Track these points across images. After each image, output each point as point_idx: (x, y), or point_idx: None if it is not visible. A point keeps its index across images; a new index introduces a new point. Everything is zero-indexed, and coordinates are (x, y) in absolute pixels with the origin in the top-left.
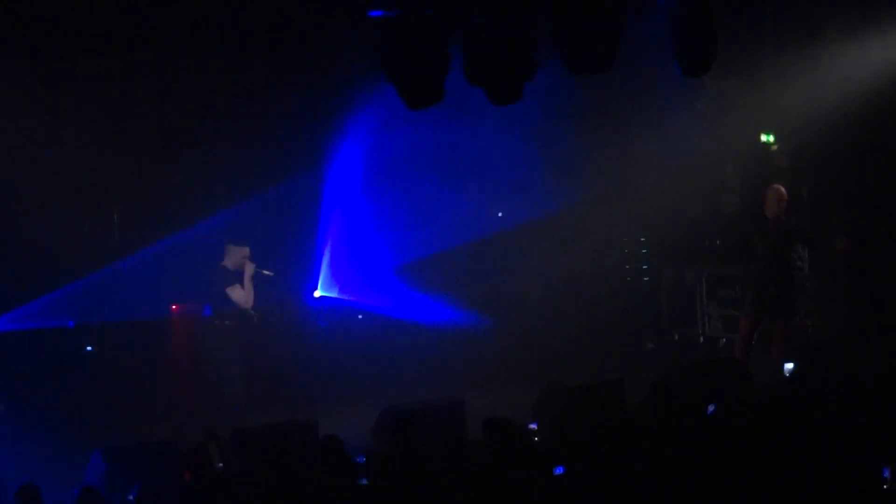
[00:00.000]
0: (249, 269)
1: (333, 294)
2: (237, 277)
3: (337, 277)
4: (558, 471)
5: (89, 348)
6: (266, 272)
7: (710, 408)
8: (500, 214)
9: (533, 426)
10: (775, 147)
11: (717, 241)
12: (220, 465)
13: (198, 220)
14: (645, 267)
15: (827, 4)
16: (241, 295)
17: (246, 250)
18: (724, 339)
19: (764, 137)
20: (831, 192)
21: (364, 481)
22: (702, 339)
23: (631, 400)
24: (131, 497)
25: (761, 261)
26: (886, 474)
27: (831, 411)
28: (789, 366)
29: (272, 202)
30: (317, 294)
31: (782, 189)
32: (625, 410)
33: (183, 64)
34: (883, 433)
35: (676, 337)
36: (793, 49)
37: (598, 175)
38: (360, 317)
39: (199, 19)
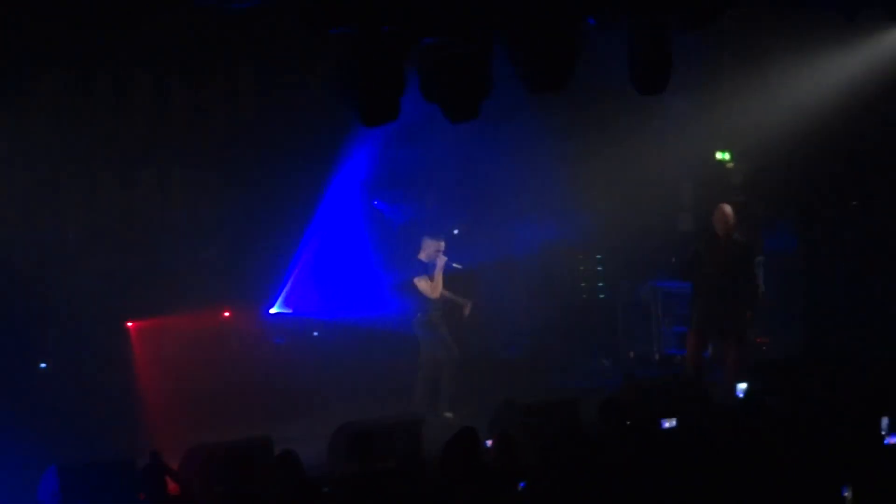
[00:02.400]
0: (441, 261)
1: (290, 311)
2: (428, 269)
3: (302, 293)
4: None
5: (43, 365)
6: (456, 265)
7: (665, 423)
8: (455, 231)
9: (487, 444)
10: (731, 165)
11: (672, 259)
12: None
13: (157, 237)
14: (600, 284)
15: (780, 26)
16: (427, 287)
17: (441, 244)
18: (679, 357)
19: (719, 155)
20: (786, 210)
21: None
22: (657, 356)
23: (586, 418)
24: None
25: (710, 280)
26: (845, 493)
27: (788, 430)
28: (742, 386)
29: (234, 218)
30: (273, 311)
31: (727, 208)
32: (580, 429)
33: (141, 78)
34: (840, 451)
35: (632, 354)
36: (748, 68)
37: (552, 192)
38: (315, 334)
39: (155, 36)
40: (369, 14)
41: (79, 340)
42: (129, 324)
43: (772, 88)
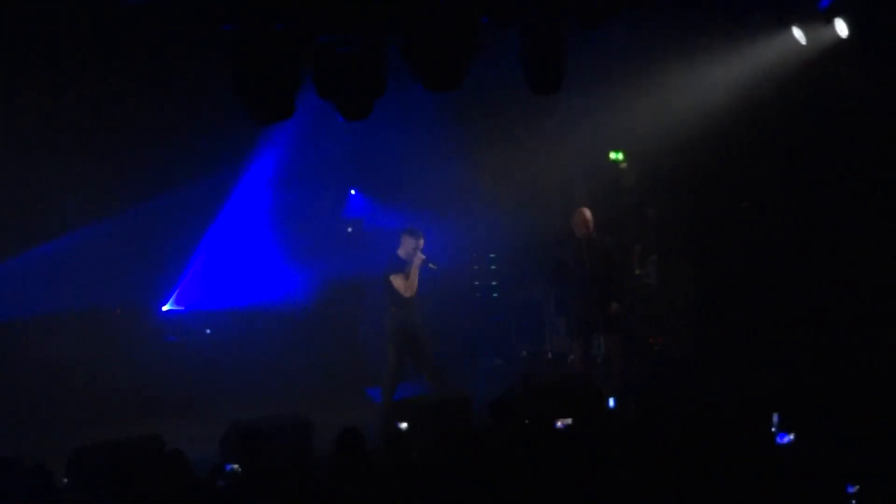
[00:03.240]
0: (418, 259)
1: (182, 308)
2: (405, 266)
3: (196, 290)
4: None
5: None
6: (432, 265)
7: (559, 423)
8: (349, 230)
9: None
10: (624, 165)
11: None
12: (65, 480)
13: (49, 232)
14: (494, 283)
15: (672, 27)
16: (402, 283)
17: (420, 241)
18: (572, 356)
19: (613, 155)
20: (678, 210)
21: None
22: (550, 355)
23: (478, 417)
24: None
25: (579, 282)
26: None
27: (681, 428)
28: (611, 401)
29: (129, 215)
30: (165, 308)
31: (587, 212)
32: (470, 428)
33: (34, 73)
34: (733, 449)
35: (524, 353)
36: (640, 68)
37: (447, 191)
38: (207, 331)
39: (49, 30)
40: (260, 11)
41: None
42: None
43: (664, 89)
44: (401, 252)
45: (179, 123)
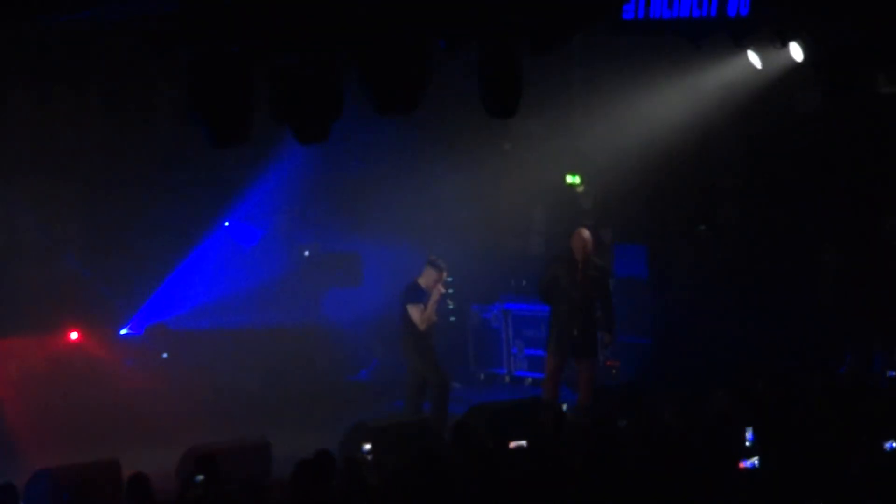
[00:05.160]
0: (438, 293)
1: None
2: (423, 297)
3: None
4: None
5: None
6: (450, 302)
7: (515, 444)
8: (306, 254)
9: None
10: (581, 188)
11: (524, 282)
12: None
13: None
14: (451, 307)
15: (628, 51)
16: (418, 315)
17: (443, 274)
18: (530, 379)
19: (570, 178)
20: (635, 234)
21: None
22: (508, 378)
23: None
24: None
25: (568, 303)
26: None
27: (638, 451)
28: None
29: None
30: (123, 332)
31: (586, 232)
32: (428, 451)
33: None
34: (694, 473)
35: (482, 377)
36: (597, 92)
37: (403, 214)
38: (164, 356)
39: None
40: (215, 33)
41: None
42: None
43: (620, 113)
44: (421, 281)
45: (134, 145)
